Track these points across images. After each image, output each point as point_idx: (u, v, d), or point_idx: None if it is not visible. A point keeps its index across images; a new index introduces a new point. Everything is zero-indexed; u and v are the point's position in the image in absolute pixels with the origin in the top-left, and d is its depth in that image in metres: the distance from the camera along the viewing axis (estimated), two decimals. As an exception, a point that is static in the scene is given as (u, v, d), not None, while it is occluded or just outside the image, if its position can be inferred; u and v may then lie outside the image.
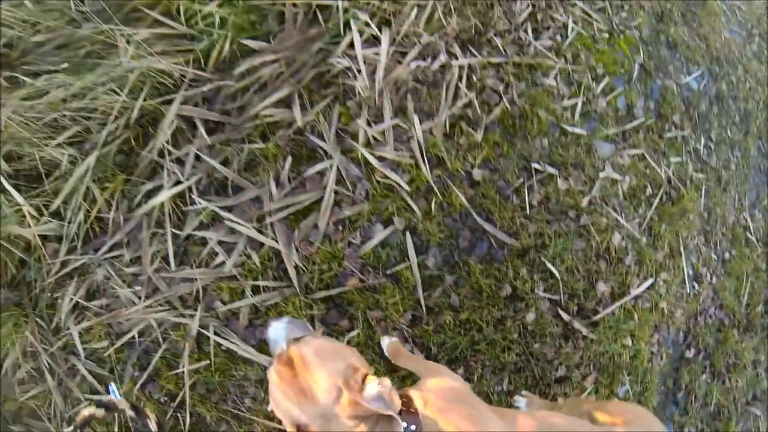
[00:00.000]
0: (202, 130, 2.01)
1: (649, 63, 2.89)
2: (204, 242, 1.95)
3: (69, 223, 1.93)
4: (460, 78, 2.26)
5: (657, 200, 2.50)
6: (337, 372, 0.94)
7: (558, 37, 2.62)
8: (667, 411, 2.48)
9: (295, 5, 2.18)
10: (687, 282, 2.54)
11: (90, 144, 2.00)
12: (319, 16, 2.16)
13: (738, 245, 2.93)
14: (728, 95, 3.33)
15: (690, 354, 2.57)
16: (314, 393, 0.92)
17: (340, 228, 1.94)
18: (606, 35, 2.79)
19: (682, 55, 3.18)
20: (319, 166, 1.96)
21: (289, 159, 1.97)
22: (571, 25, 2.68)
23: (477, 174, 2.12)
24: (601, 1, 2.93)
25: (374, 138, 2.01)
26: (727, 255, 2.86)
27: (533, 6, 2.65)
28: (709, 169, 2.88)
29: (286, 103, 2.03)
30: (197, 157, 2.01)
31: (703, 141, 2.93)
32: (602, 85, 2.58)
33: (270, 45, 2.11)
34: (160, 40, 2.09)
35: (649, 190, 2.50)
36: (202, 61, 2.09)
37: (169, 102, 2.04)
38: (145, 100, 2.01)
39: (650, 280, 2.32)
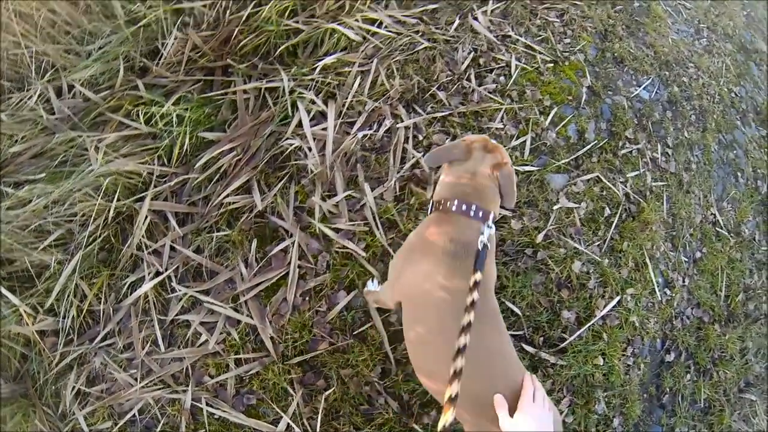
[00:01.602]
0: (173, 222, 2.11)
1: (597, 84, 2.91)
2: (188, 324, 2.03)
3: (63, 318, 2.04)
4: (406, 139, 2.32)
5: (616, 219, 2.51)
6: None
7: (502, 78, 2.66)
8: (654, 416, 2.47)
9: (245, 92, 2.27)
10: (657, 291, 2.53)
11: (74, 245, 2.10)
12: (269, 99, 2.26)
13: (708, 242, 2.91)
14: (681, 97, 3.33)
15: (671, 357, 2.56)
16: None
17: (307, 298, 2.00)
18: (551, 65, 2.83)
19: (630, 68, 3.20)
20: (282, 245, 2.03)
21: (255, 241, 2.05)
22: (514, 63, 2.73)
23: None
24: (542, 31, 2.99)
25: (329, 211, 2.08)
26: (698, 254, 2.84)
27: (475, 51, 2.71)
28: (669, 175, 2.87)
29: (246, 189, 2.12)
30: (172, 248, 2.10)
31: (660, 149, 2.94)
32: (551, 116, 2.60)
33: (226, 134, 2.20)
34: (126, 143, 2.20)
35: (607, 211, 2.50)
36: (165, 158, 2.19)
37: (141, 199, 2.13)
38: (118, 200, 2.11)
39: (616, 299, 2.33)
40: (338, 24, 2.53)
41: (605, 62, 3.10)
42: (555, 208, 2.37)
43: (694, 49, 3.89)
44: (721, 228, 3.02)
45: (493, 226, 1.27)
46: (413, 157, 2.23)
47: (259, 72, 2.46)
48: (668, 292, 2.61)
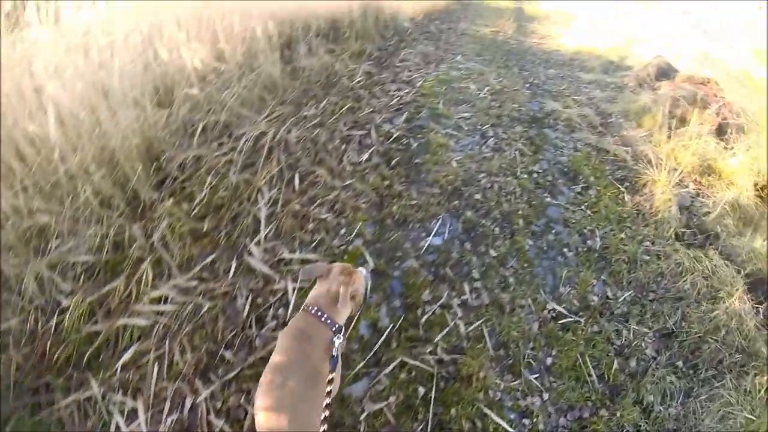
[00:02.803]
0: None
1: (380, 262, 2.95)
2: None
3: None
4: (208, 411, 2.30)
5: (434, 392, 2.47)
6: None
7: (281, 311, 2.73)
8: None
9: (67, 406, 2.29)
10: (513, 429, 2.43)
11: None
12: (89, 409, 2.29)
13: (556, 342, 2.75)
14: (477, 218, 3.43)
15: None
16: None
17: None
18: (329, 269, 2.94)
19: (415, 221, 3.32)
20: None
21: None
22: (290, 287, 2.83)
23: None
24: (316, 234, 3.12)
25: None
26: (549, 361, 2.70)
27: (252, 292, 2.80)
28: (485, 308, 2.83)
29: None
30: None
31: (467, 288, 2.93)
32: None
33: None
34: None
35: (421, 390, 2.47)
36: None
37: None
38: None
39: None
40: (129, 317, 2.62)
41: (386, 232, 3.19)
42: (362, 418, 2.32)
43: (483, 156, 4.12)
44: (566, 317, 2.94)
45: (342, 338, 1.72)
46: (217, 427, 2.22)
47: (75, 383, 2.45)
48: (527, 421, 2.46)
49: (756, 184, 4.66)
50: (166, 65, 3.92)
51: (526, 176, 3.97)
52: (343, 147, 4.04)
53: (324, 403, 1.53)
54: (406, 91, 5.21)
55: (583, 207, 3.78)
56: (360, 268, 1.98)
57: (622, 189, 4.07)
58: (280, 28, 5.57)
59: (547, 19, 13.04)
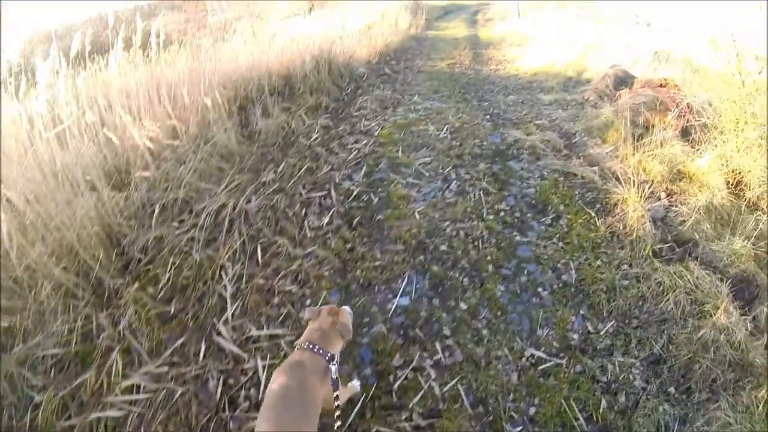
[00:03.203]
0: None
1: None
2: None
3: None
4: None
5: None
6: None
7: (252, 391, 2.67)
8: None
9: None
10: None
11: None
12: None
13: (537, 389, 2.66)
14: (444, 270, 3.38)
15: None
16: None
17: None
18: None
19: (380, 282, 3.27)
20: None
21: None
22: (260, 365, 2.77)
23: None
24: (282, 308, 3.11)
25: None
26: (532, 411, 2.58)
27: (223, 373, 2.78)
28: (458, 366, 2.77)
29: None
30: None
31: (438, 347, 2.88)
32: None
33: None
34: None
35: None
36: None
37: None
38: None
39: None
40: (102, 410, 2.56)
41: (352, 298, 3.17)
42: None
43: (446, 202, 4.09)
44: (546, 361, 2.85)
45: (336, 365, 1.97)
46: None
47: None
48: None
49: (728, 182, 4.63)
50: (117, 148, 3.91)
51: (492, 217, 3.93)
52: (304, 212, 4.03)
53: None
54: (364, 142, 5.24)
55: (554, 239, 3.74)
56: (344, 306, 2.30)
57: (593, 214, 4.01)
58: (234, 92, 5.61)
59: (503, 42, 13.32)
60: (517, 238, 3.75)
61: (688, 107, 5.65)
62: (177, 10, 23.05)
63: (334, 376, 1.92)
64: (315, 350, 1.96)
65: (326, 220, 3.91)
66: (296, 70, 6.79)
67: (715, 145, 4.99)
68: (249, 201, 4.10)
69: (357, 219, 3.86)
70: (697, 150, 5.07)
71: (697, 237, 3.90)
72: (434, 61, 10.22)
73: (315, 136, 5.39)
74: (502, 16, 20.73)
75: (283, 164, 4.71)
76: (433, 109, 6.41)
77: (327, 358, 1.96)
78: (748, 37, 5.20)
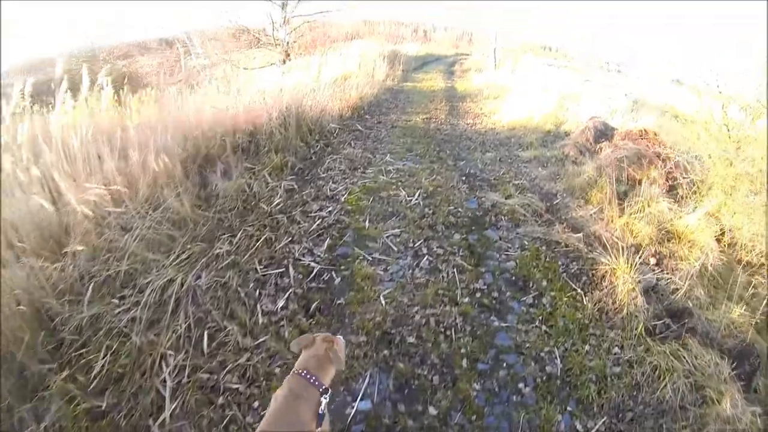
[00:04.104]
0: None
1: None
2: None
3: None
4: None
5: None
6: None
7: None
8: None
9: None
10: None
11: None
12: None
13: None
14: (411, 367, 3.03)
15: None
16: None
17: None
18: None
19: (337, 385, 2.90)
20: None
21: None
22: None
23: None
24: (228, 409, 2.67)
25: None
26: None
27: None
28: None
29: None
30: None
31: None
32: None
33: None
34: None
35: None
36: None
37: None
38: None
39: None
40: None
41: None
42: None
43: (416, 283, 3.79)
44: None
45: (327, 397, 1.98)
46: None
47: None
48: None
49: (719, 240, 4.41)
50: (52, 215, 3.59)
51: (467, 299, 3.61)
52: (258, 292, 3.65)
53: None
54: (329, 209, 4.93)
55: (537, 323, 3.42)
56: (338, 335, 2.33)
57: (579, 290, 3.71)
58: (195, 150, 5.30)
59: (480, 95, 13.38)
60: (495, 323, 3.42)
61: (675, 165, 5.47)
62: (152, 52, 23.07)
63: (322, 410, 1.94)
64: (311, 380, 1.99)
65: (281, 303, 3.55)
66: (263, 126, 6.53)
67: (702, 202, 4.79)
68: (199, 277, 3.71)
69: (315, 303, 3.51)
70: (685, 207, 4.85)
71: (691, 305, 3.66)
72: (409, 115, 10.11)
73: (277, 201, 5.05)
74: (478, 68, 21.14)
75: (240, 233, 4.34)
76: (406, 171, 6.17)
77: (321, 390, 1.99)
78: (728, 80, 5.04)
